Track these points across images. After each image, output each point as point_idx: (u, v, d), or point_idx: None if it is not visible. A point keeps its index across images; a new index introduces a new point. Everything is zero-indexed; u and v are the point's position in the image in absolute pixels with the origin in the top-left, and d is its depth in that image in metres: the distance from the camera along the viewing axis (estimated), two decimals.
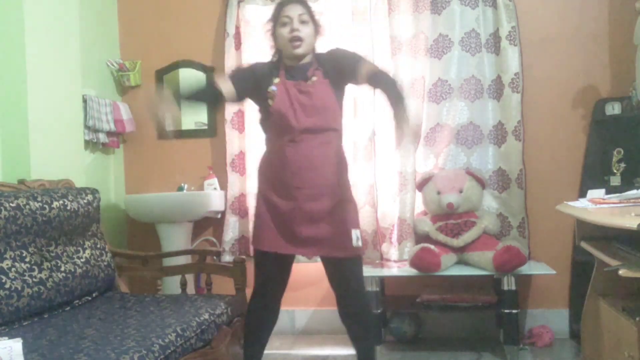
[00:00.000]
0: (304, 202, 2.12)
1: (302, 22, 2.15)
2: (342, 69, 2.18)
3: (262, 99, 2.20)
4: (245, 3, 3.29)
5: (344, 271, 2.18)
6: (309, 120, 2.12)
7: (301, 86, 2.16)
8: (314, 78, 2.17)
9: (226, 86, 2.16)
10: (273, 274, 2.23)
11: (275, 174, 2.17)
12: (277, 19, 2.18)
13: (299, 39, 2.13)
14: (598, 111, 3.01)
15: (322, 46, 3.21)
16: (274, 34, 2.21)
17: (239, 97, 2.23)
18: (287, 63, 2.22)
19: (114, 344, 1.75)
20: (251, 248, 2.46)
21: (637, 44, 2.69)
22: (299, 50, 2.15)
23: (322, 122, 2.15)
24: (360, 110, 3.15)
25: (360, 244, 2.17)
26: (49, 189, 2.39)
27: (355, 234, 2.15)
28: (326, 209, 2.13)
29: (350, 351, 2.21)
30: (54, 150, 2.65)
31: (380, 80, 2.11)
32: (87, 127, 3.06)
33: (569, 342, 3.05)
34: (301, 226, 2.13)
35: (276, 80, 2.18)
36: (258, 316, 2.29)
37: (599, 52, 3.08)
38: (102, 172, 3.33)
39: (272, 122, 2.17)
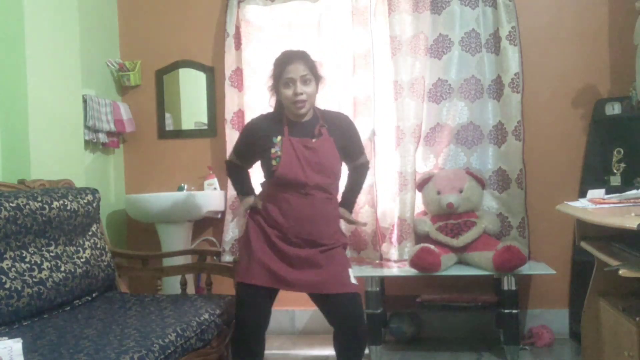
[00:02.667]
0: (300, 247, 2.20)
1: (305, 81, 2.17)
2: (347, 144, 2.31)
3: (266, 160, 2.24)
4: (245, 3, 3.29)
5: (347, 306, 2.17)
6: (317, 176, 2.19)
7: (307, 143, 2.21)
8: (320, 137, 2.23)
9: (240, 163, 2.39)
10: (259, 309, 2.21)
11: (277, 219, 2.22)
12: (279, 78, 2.20)
13: (302, 101, 2.17)
14: (598, 111, 3.01)
15: (321, 47, 3.21)
16: (277, 91, 2.24)
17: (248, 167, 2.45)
18: (291, 118, 2.26)
19: (114, 344, 1.75)
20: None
21: (637, 44, 2.69)
22: (303, 111, 2.20)
23: (327, 179, 2.22)
24: (360, 110, 3.15)
25: (356, 282, 2.22)
26: (49, 189, 2.39)
27: (352, 272, 2.23)
28: (322, 254, 2.20)
29: None
30: (54, 150, 2.65)
31: (359, 173, 2.43)
32: (87, 127, 3.06)
33: (569, 342, 3.05)
34: (297, 268, 2.19)
35: (278, 139, 2.21)
36: (246, 355, 2.24)
37: (599, 52, 3.08)
38: (102, 172, 3.33)
39: (279, 179, 2.20)
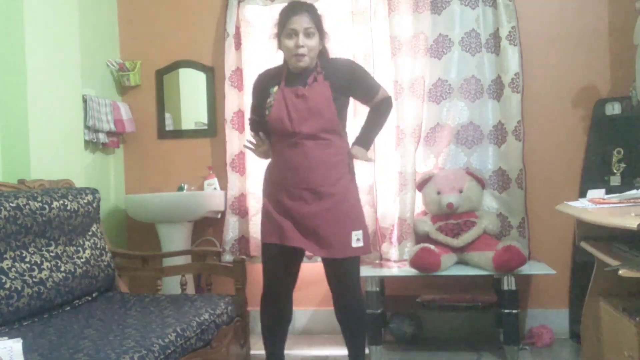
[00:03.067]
0: (305, 201, 2.19)
1: (308, 34, 2.18)
2: (355, 86, 2.29)
3: (263, 112, 2.30)
4: (245, 3, 3.29)
5: (341, 270, 2.24)
6: (307, 123, 2.18)
7: (298, 91, 2.21)
8: (314, 83, 2.22)
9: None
10: (281, 268, 2.26)
11: (278, 174, 2.26)
12: (282, 28, 2.20)
13: (303, 54, 2.18)
14: (598, 111, 3.01)
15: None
16: (279, 40, 2.25)
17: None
18: (291, 69, 2.27)
19: (114, 344, 1.75)
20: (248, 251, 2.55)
21: (637, 44, 2.69)
22: (302, 64, 2.20)
23: (319, 125, 2.19)
24: (360, 111, 3.14)
25: (360, 244, 2.21)
26: (49, 189, 2.39)
27: (355, 235, 2.20)
28: (326, 208, 2.18)
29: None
30: (54, 150, 2.65)
31: (378, 110, 2.37)
32: (87, 127, 3.06)
33: (569, 342, 3.05)
34: (303, 223, 2.19)
35: (274, 89, 2.26)
36: (272, 315, 2.33)
37: (599, 52, 3.08)
38: (102, 172, 3.33)
39: (271, 129, 2.26)
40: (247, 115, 3.24)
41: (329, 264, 2.26)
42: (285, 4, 3.23)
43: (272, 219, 2.23)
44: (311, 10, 2.22)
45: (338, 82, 2.24)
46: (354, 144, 2.36)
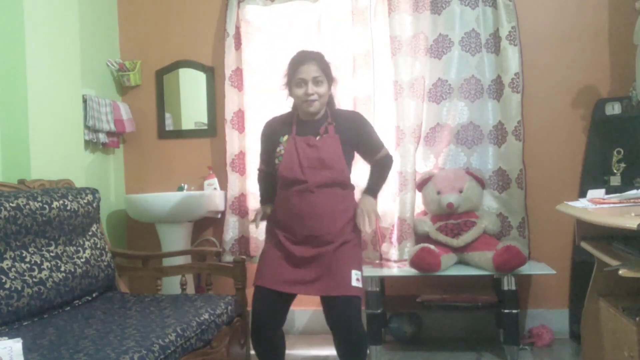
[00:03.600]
0: (309, 245, 2.21)
1: (317, 82, 2.21)
2: (360, 140, 2.32)
3: (272, 160, 2.33)
4: (246, 3, 3.29)
5: (341, 309, 2.16)
6: (318, 173, 2.21)
7: (310, 141, 2.25)
8: (325, 134, 2.25)
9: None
10: (271, 311, 2.23)
11: (283, 220, 2.27)
12: (292, 77, 2.24)
13: (314, 101, 2.21)
14: (598, 111, 3.01)
15: (321, 47, 3.22)
16: (289, 88, 2.28)
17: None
18: (302, 117, 2.31)
19: (114, 344, 1.75)
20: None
21: (637, 44, 2.69)
22: (313, 110, 2.24)
23: (329, 176, 2.22)
24: (360, 110, 3.14)
25: (359, 285, 2.19)
26: (49, 189, 2.39)
27: (355, 274, 2.19)
28: (329, 250, 2.20)
29: None
30: (54, 150, 2.65)
31: (379, 166, 2.39)
32: (87, 127, 3.06)
33: (569, 342, 3.05)
34: (303, 265, 2.21)
35: (285, 138, 2.28)
36: (264, 350, 2.30)
37: (599, 52, 3.08)
38: (102, 172, 3.33)
39: (281, 177, 2.27)
40: (247, 112, 3.27)
41: (328, 303, 2.20)
42: (287, 4, 3.26)
43: (269, 262, 2.25)
44: (319, 59, 2.25)
45: (347, 136, 2.28)
46: (363, 192, 2.36)
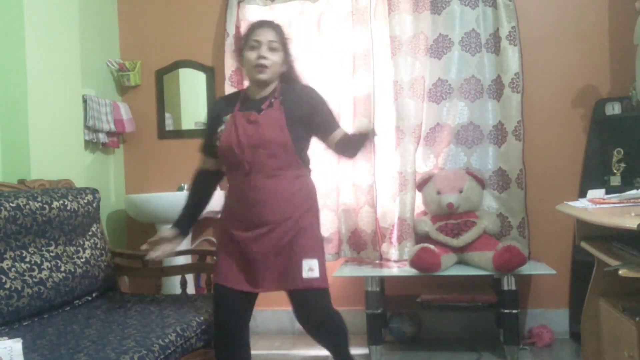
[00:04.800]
0: (259, 235, 2.02)
1: (272, 49, 2.05)
2: (310, 113, 2.08)
3: (213, 141, 2.11)
4: (245, 3, 3.29)
5: (302, 304, 2.03)
6: (258, 152, 2.00)
7: (250, 116, 2.03)
8: (268, 109, 2.05)
9: (210, 163, 2.20)
10: (232, 309, 2.06)
11: (232, 208, 2.10)
12: (246, 41, 2.08)
13: (264, 66, 2.03)
14: (598, 111, 3.01)
15: (321, 47, 3.21)
16: (240, 55, 2.11)
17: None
18: (249, 93, 2.13)
19: (114, 344, 1.75)
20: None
21: (637, 44, 2.69)
22: (262, 76, 2.04)
23: (272, 152, 2.01)
24: (360, 110, 3.15)
25: (314, 274, 1.99)
26: (49, 189, 2.39)
27: (307, 264, 1.99)
28: (281, 243, 2.02)
29: (351, 352, 2.22)
30: (54, 150, 2.65)
31: (347, 143, 2.10)
32: (87, 127, 3.06)
33: (569, 342, 3.05)
34: (256, 259, 2.03)
35: (227, 117, 2.08)
36: (226, 353, 2.09)
37: (599, 52, 3.08)
38: (102, 172, 3.32)
39: (222, 158, 2.10)
40: None
41: (290, 297, 2.04)
42: (287, 4, 3.26)
43: (224, 258, 2.09)
44: (278, 28, 2.10)
45: (295, 111, 2.05)
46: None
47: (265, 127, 2.01)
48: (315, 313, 2.04)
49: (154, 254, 2.13)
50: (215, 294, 2.09)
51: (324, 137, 2.14)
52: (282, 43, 2.09)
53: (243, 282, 2.05)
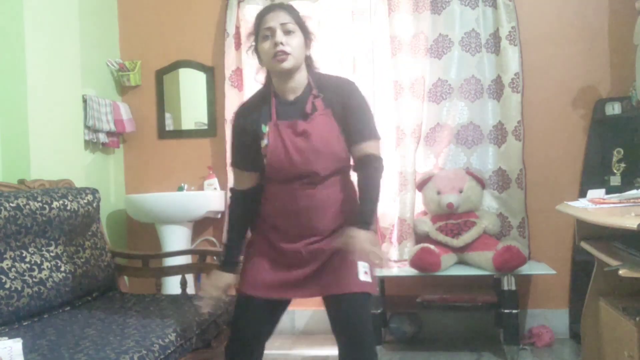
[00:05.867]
0: (307, 244, 1.80)
1: (287, 32, 1.75)
2: (347, 115, 1.79)
3: (258, 155, 1.83)
4: (246, 3, 3.29)
5: (348, 311, 1.74)
6: (308, 167, 1.75)
7: (297, 126, 1.76)
8: (315, 112, 1.77)
9: (250, 178, 1.88)
10: (255, 324, 1.83)
11: (275, 220, 1.85)
12: (258, 33, 1.79)
13: (284, 52, 1.72)
14: (598, 111, 3.01)
15: (321, 49, 3.21)
16: (257, 51, 1.83)
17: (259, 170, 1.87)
18: (280, 94, 1.82)
19: (114, 344, 1.75)
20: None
21: (637, 44, 2.69)
22: (286, 65, 1.74)
23: (325, 166, 1.77)
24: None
25: (368, 279, 1.76)
26: (49, 189, 2.38)
27: (362, 266, 1.75)
28: (329, 249, 1.78)
29: None
30: (54, 150, 2.65)
31: (368, 176, 1.81)
32: (87, 127, 3.06)
33: (569, 342, 3.05)
34: (301, 267, 1.80)
35: (266, 129, 1.79)
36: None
37: (599, 52, 3.08)
38: (102, 172, 3.33)
39: (269, 175, 1.83)
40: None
41: (332, 305, 1.78)
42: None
43: (257, 265, 1.84)
44: (289, 8, 1.81)
45: (342, 110, 1.79)
46: (353, 225, 1.73)
47: (319, 139, 1.74)
48: (359, 320, 1.74)
49: (206, 309, 1.97)
50: (238, 303, 1.86)
51: (351, 143, 1.81)
52: (298, 23, 1.79)
53: (278, 289, 1.81)
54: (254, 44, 1.83)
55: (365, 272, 1.75)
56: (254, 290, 1.81)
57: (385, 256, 1.85)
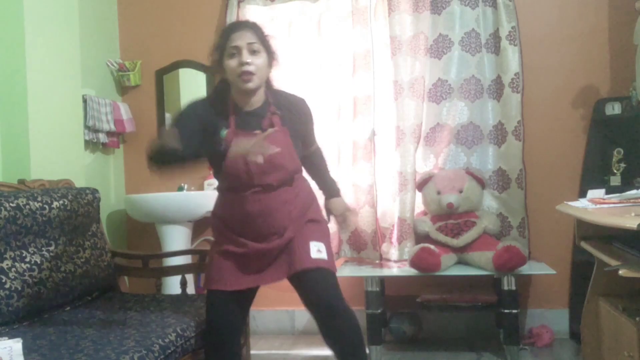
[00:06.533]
0: (263, 245, 1.95)
1: (253, 52, 1.87)
2: (302, 132, 2.02)
3: (213, 156, 1.95)
4: (246, 3, 3.29)
5: (311, 285, 1.90)
6: (263, 177, 1.90)
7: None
8: (270, 130, 1.87)
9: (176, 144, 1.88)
10: (227, 315, 1.94)
11: (230, 221, 1.99)
12: (223, 49, 1.90)
13: (249, 72, 1.85)
14: (598, 111, 3.01)
15: (319, 50, 3.21)
16: (221, 66, 1.93)
17: (194, 155, 1.95)
18: (238, 103, 1.95)
19: (114, 344, 1.75)
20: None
21: (637, 44, 2.69)
22: (250, 85, 1.87)
23: (278, 178, 1.93)
24: (360, 110, 3.15)
25: (322, 255, 1.93)
26: (49, 189, 2.39)
27: (314, 245, 1.94)
28: (284, 242, 1.95)
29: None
30: (54, 150, 2.65)
31: (318, 164, 2.17)
32: (87, 127, 3.06)
33: (569, 342, 3.05)
34: (262, 258, 1.96)
35: (225, 132, 1.90)
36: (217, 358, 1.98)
37: (599, 52, 3.08)
38: (102, 172, 3.33)
39: (224, 180, 1.97)
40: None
41: (295, 284, 1.96)
42: (287, 4, 3.25)
43: (218, 264, 1.97)
44: (255, 27, 1.92)
45: (295, 128, 1.98)
46: (327, 199, 2.19)
47: (275, 154, 1.82)
48: (326, 293, 1.89)
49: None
50: (208, 299, 1.98)
51: (303, 148, 2.06)
52: (263, 43, 1.91)
53: (243, 280, 1.95)
54: (217, 59, 1.93)
55: (318, 250, 1.94)
56: (220, 285, 1.94)
57: (355, 217, 2.31)
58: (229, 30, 1.92)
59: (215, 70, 2.02)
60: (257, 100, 1.96)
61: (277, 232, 1.95)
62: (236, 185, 1.94)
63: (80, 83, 2.90)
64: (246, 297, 2.01)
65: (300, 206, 2.01)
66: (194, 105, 1.99)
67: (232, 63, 1.87)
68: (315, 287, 1.90)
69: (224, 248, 1.98)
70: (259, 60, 1.88)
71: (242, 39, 1.87)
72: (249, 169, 1.87)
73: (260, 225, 1.94)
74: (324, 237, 2.04)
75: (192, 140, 1.89)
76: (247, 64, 1.85)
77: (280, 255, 1.96)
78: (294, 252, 1.94)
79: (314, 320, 1.95)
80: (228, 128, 1.91)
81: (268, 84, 2.00)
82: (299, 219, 1.99)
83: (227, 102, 1.96)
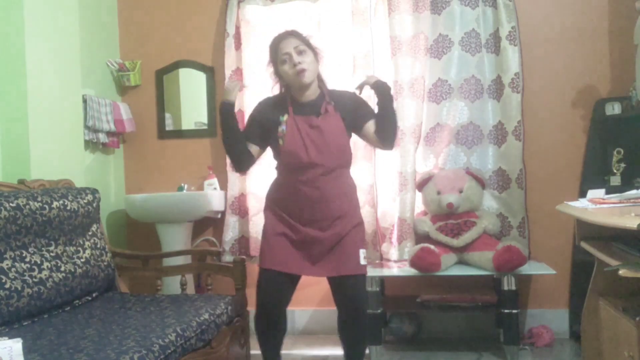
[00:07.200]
0: (316, 233, 2.23)
1: (300, 52, 2.21)
2: (357, 114, 2.31)
3: (273, 141, 2.28)
4: (246, 3, 3.29)
5: (352, 288, 2.24)
6: (320, 157, 2.19)
7: (312, 121, 2.22)
8: (326, 113, 2.24)
9: (254, 150, 2.32)
10: (277, 293, 2.26)
11: (287, 207, 2.27)
12: (276, 59, 2.24)
13: (303, 69, 2.18)
14: (598, 111, 3.01)
15: (321, 47, 3.22)
16: (278, 74, 2.27)
17: (263, 149, 2.36)
18: (297, 98, 2.28)
19: (114, 344, 1.75)
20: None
21: (637, 44, 2.69)
22: (306, 79, 2.20)
23: (334, 159, 2.22)
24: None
25: (365, 262, 2.27)
26: (49, 189, 2.39)
27: (362, 253, 2.25)
28: (337, 237, 2.24)
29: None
30: (54, 150, 2.65)
31: (381, 118, 2.32)
32: (87, 127, 3.06)
33: (569, 342, 3.05)
34: (313, 247, 2.24)
35: (285, 117, 2.24)
36: (266, 331, 2.33)
37: (599, 52, 3.08)
38: (102, 172, 3.33)
39: (284, 160, 2.25)
40: (247, 112, 3.18)
41: (338, 283, 2.26)
42: (287, 4, 3.26)
43: (275, 245, 2.26)
44: (296, 33, 2.27)
45: (347, 115, 2.28)
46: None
47: (328, 132, 2.21)
48: (359, 298, 2.24)
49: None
50: (261, 277, 2.26)
51: (363, 127, 2.31)
52: (306, 44, 2.24)
53: (293, 265, 2.23)
54: (273, 70, 2.29)
55: (365, 257, 2.26)
56: (274, 266, 2.23)
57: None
58: (276, 42, 2.25)
59: (277, 81, 2.33)
60: (312, 93, 2.28)
61: (331, 219, 2.22)
62: (295, 165, 2.21)
63: (80, 83, 2.90)
64: (294, 278, 2.29)
65: (351, 200, 2.30)
66: (258, 106, 2.35)
67: (286, 67, 2.21)
68: (353, 293, 2.24)
69: (280, 230, 2.26)
70: (307, 58, 2.21)
71: (289, 46, 2.21)
72: (305, 145, 2.17)
73: (316, 211, 2.22)
74: (365, 242, 2.38)
75: (257, 134, 2.29)
76: (299, 63, 2.18)
77: (331, 252, 2.24)
78: (345, 254, 2.23)
79: (337, 315, 2.30)
80: (288, 113, 2.24)
81: (321, 82, 2.32)
82: (351, 216, 2.28)
83: (287, 99, 2.29)
